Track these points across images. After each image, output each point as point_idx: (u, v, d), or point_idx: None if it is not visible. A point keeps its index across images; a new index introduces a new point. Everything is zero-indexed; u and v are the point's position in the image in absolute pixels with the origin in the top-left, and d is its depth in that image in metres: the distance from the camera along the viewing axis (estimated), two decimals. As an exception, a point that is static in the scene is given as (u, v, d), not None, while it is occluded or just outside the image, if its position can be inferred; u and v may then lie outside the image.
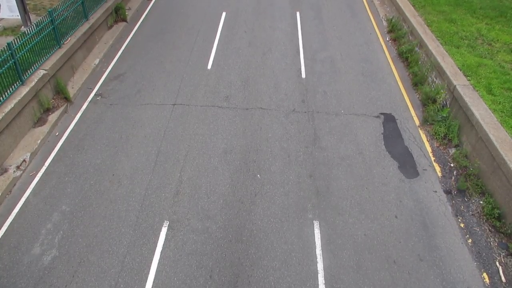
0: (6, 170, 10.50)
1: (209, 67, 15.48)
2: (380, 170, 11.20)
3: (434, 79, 14.10)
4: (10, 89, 11.34)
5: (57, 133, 12.12)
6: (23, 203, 9.90)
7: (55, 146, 11.63)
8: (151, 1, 20.86)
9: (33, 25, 12.65)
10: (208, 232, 9.35)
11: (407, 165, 11.43)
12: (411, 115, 13.41)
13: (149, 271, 8.48)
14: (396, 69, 15.85)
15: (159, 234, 9.25)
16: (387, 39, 18.07)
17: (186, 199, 10.12)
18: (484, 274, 8.79)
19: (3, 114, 10.62)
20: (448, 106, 12.89)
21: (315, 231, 9.45)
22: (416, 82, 14.75)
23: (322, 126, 12.69)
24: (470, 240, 9.49)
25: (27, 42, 12.07)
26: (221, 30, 18.16)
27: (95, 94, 13.87)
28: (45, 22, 12.95)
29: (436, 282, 8.53)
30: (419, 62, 15.41)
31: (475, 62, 13.83)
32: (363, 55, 16.69)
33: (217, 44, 16.97)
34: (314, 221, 9.69)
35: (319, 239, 9.28)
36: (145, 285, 8.23)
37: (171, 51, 16.44)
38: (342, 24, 19.16)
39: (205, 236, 9.25)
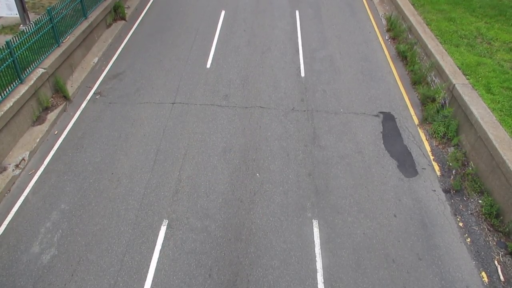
0: (5, 169, 10.49)
1: (208, 65, 15.47)
2: (379, 169, 11.21)
3: (433, 78, 14.10)
4: (9, 87, 11.32)
5: (56, 132, 12.11)
6: (22, 202, 9.89)
7: (54, 145, 11.62)
8: (150, -1, 20.85)
9: (31, 23, 12.63)
10: (207, 231, 9.36)
11: (406, 164, 11.44)
12: (410, 114, 13.42)
13: (148, 270, 8.48)
14: (395, 68, 15.84)
15: (158, 233, 9.25)
16: (386, 37, 18.06)
17: (185, 198, 10.12)
18: (483, 273, 8.81)
19: (2, 112, 10.60)
20: (447, 105, 12.90)
21: (314, 230, 9.46)
22: (415, 81, 14.75)
23: (321, 125, 12.69)
24: (469, 239, 9.51)
25: (25, 40, 12.05)
26: (220, 28, 18.13)
27: (94, 93, 13.85)
28: (43, 21, 12.92)
29: (435, 281, 8.55)
30: (418, 61, 15.41)
31: (474, 61, 13.83)
32: (362, 53, 16.68)
33: (216, 43, 16.94)
34: (313, 220, 9.70)
35: (318, 238, 9.29)
36: (144, 284, 8.23)
37: (170, 49, 16.42)
38: (341, 22, 19.14)
39: (204, 235, 9.25)
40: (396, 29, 17.86)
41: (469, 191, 10.61)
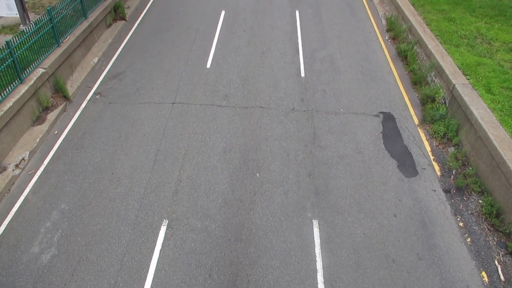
0: (5, 169, 10.49)
1: (208, 65, 15.47)
2: (379, 169, 11.21)
3: (433, 78, 14.10)
4: (9, 87, 11.31)
5: (56, 132, 12.11)
6: (22, 202, 9.88)
7: (54, 145, 11.62)
8: (150, -1, 20.85)
9: (31, 23, 12.62)
10: (207, 231, 9.35)
11: (406, 164, 11.44)
12: (410, 114, 13.42)
13: (148, 270, 8.48)
14: (395, 68, 15.85)
15: (158, 232, 9.25)
16: (386, 37, 18.06)
17: (185, 198, 10.12)
18: (483, 273, 8.80)
19: (2, 112, 10.60)
20: (447, 105, 12.90)
21: (314, 230, 9.46)
22: (415, 81, 14.75)
23: (321, 125, 12.69)
24: (469, 239, 9.51)
25: (25, 40, 12.05)
26: (220, 28, 18.13)
27: (94, 93, 13.85)
28: (43, 21, 12.92)
29: (435, 281, 8.55)
30: (418, 61, 15.42)
31: (474, 61, 13.84)
32: (362, 54, 16.68)
33: (216, 43, 16.94)
34: (313, 220, 9.69)
35: (318, 238, 9.29)
36: (144, 284, 8.23)
37: (170, 49, 16.41)
38: (341, 22, 19.15)
39: (204, 235, 9.25)
40: (396, 29, 17.86)
41: (469, 191, 10.61)
